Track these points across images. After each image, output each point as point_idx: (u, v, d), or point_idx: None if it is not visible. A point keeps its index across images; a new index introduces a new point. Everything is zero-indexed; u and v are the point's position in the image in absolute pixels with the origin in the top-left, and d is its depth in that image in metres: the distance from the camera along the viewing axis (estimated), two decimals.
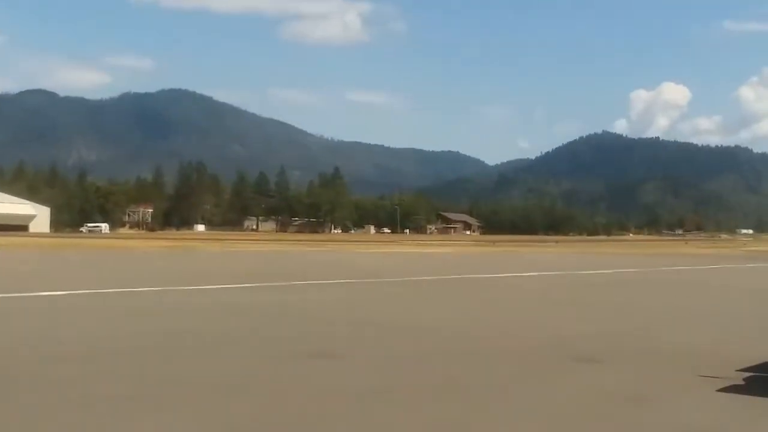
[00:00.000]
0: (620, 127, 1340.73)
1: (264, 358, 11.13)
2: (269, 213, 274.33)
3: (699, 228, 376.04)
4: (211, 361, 10.83)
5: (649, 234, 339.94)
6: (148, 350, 11.64)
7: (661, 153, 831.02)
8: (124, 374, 9.59)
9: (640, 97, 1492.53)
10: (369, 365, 10.75)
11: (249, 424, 7.37)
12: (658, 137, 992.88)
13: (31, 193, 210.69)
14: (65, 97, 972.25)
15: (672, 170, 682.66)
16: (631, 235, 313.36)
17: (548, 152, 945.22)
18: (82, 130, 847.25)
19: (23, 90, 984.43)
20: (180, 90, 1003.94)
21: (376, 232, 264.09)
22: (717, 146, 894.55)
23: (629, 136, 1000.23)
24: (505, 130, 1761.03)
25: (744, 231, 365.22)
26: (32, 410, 7.66)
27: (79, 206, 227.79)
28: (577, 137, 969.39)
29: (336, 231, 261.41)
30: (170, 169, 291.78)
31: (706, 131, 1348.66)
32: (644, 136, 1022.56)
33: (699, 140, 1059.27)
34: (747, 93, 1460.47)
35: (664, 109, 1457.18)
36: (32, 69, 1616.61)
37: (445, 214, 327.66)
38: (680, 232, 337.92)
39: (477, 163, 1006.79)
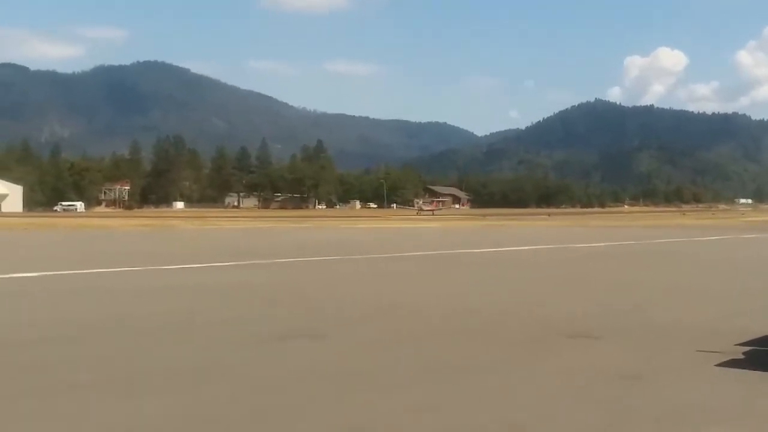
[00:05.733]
0: (614, 95, 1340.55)
1: (242, 340, 10.68)
2: (251, 189, 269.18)
3: (696, 199, 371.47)
4: (184, 345, 10.39)
5: (645, 205, 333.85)
6: (116, 334, 11.19)
7: (657, 121, 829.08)
8: (91, 359, 9.27)
9: (634, 63, 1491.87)
10: (352, 346, 10.44)
11: (223, 408, 7.20)
12: (653, 105, 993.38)
13: (2, 171, 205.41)
14: (36, 71, 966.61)
15: (668, 139, 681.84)
16: (626, 206, 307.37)
17: (539, 122, 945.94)
18: (54, 105, 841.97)
19: None
20: (155, 62, 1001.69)
21: (362, 207, 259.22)
22: (714, 113, 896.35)
23: (623, 104, 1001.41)
24: (494, 99, 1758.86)
25: (743, 201, 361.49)
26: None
27: (52, 184, 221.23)
28: (569, 106, 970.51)
29: (320, 206, 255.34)
30: (147, 145, 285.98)
31: (703, 98, 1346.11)
32: (639, 104, 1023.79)
33: (696, 107, 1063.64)
34: (745, 58, 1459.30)
35: (659, 75, 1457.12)
36: (1, 42, 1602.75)
37: (433, 187, 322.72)
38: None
39: (465, 134, 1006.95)
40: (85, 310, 13.80)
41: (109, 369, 8.72)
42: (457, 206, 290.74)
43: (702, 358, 9.51)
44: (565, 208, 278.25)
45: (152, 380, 8.15)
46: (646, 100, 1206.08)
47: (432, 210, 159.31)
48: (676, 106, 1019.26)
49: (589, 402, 7.45)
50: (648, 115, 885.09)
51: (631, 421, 6.83)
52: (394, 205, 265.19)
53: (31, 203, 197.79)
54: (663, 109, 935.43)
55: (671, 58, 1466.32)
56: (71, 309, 14.09)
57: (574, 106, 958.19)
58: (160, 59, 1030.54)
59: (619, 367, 8.99)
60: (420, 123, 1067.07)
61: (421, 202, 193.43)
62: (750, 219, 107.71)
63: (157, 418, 6.78)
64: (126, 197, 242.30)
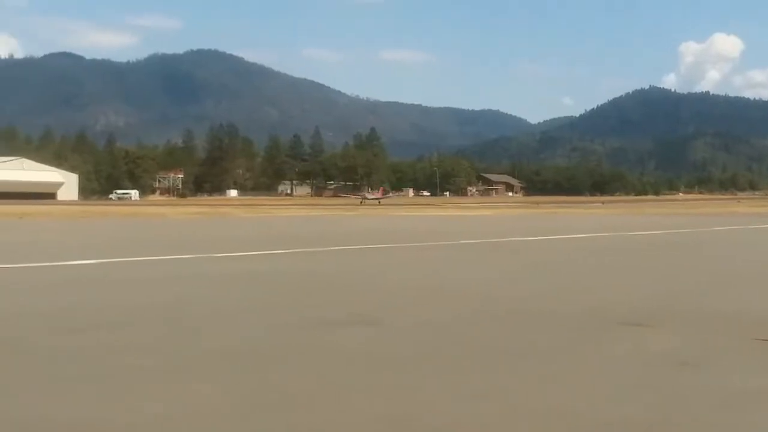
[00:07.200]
0: (669, 81, 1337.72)
1: (294, 326, 10.45)
2: (303, 177, 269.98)
3: (752, 186, 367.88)
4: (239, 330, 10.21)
5: (700, 192, 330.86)
6: (174, 320, 10.95)
7: (712, 108, 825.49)
8: (149, 344, 9.12)
9: (689, 49, 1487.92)
10: (408, 331, 10.16)
11: (277, 393, 7.09)
12: (709, 91, 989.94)
13: (58, 159, 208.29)
14: (91, 60, 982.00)
15: (723, 126, 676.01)
16: (681, 194, 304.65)
17: (593, 109, 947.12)
18: (109, 94, 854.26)
19: (48, 53, 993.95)
20: (209, 50, 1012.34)
21: (415, 195, 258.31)
22: None
23: (678, 90, 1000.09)
24: (548, 87, 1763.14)
25: None
26: (56, 381, 7.33)
27: (107, 173, 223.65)
28: (624, 93, 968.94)
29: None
30: (200, 133, 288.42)
31: (760, 84, 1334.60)
32: (694, 90, 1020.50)
33: (752, 94, 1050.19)
34: None
35: (715, 61, 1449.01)
36: (57, 32, 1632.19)
37: (486, 175, 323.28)
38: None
39: (518, 121, 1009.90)
40: (147, 296, 13.52)
41: (167, 354, 8.60)
42: (510, 194, 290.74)
43: (759, 346, 9.16)
44: (619, 195, 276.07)
45: (208, 365, 8.09)
46: (702, 87, 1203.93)
47: (378, 198, 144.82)
48: (732, 93, 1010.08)
49: (644, 388, 7.19)
50: (703, 101, 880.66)
51: (689, 407, 6.57)
52: (447, 193, 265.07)
53: (86, 191, 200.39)
54: (719, 95, 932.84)
55: (727, 44, 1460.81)
56: (137, 295, 13.83)
57: (629, 93, 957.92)
58: (213, 47, 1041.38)
59: (674, 354, 8.70)
60: (473, 110, 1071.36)
61: (366, 191, 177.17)
62: None
63: (212, 402, 6.53)
64: (180, 185, 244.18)
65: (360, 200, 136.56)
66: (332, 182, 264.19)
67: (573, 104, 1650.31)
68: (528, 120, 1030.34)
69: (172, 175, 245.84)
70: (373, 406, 6.47)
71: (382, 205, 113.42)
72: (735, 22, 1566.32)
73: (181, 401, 6.59)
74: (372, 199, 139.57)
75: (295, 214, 65.88)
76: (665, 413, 6.42)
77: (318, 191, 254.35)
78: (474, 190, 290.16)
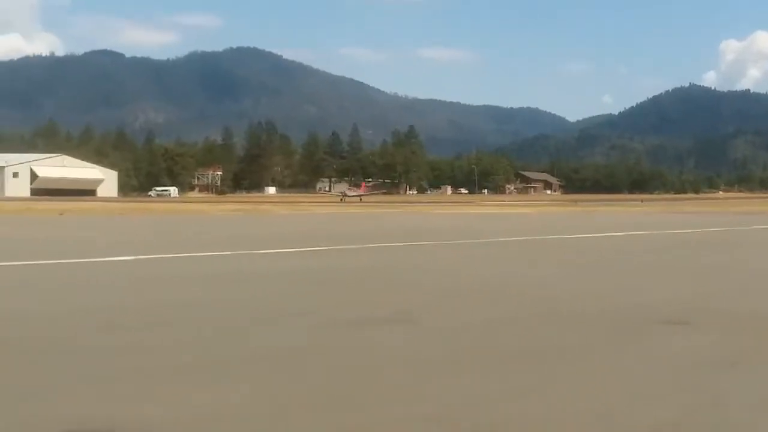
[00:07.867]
0: (709, 79, 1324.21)
1: (333, 325, 10.40)
2: (342, 174, 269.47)
3: None
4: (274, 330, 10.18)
5: (740, 191, 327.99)
6: (209, 318, 10.92)
7: (753, 106, 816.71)
8: (181, 344, 9.11)
9: (730, 47, 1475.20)
10: (448, 331, 10.09)
11: (310, 393, 7.08)
12: (749, 90, 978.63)
13: (98, 156, 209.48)
14: (131, 57, 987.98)
15: (764, 124, 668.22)
16: (721, 193, 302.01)
17: (632, 107, 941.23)
18: (148, 91, 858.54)
19: (88, 51, 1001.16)
20: (248, 48, 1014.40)
21: (453, 192, 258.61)
22: None
23: (718, 89, 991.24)
24: (587, 84, 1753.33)
25: None
26: (91, 379, 7.40)
27: (146, 170, 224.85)
28: (663, 91, 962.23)
29: (411, 192, 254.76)
30: (239, 131, 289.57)
31: None
32: (734, 88, 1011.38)
33: None
34: None
35: (756, 59, 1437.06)
36: (98, 30, 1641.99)
37: (525, 173, 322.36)
38: None
39: (557, 119, 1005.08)
40: (183, 294, 13.55)
41: (203, 354, 8.60)
42: (548, 192, 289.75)
43: None
44: (658, 194, 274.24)
45: (238, 365, 8.07)
46: (742, 85, 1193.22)
47: (359, 195, 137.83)
48: None
49: (682, 388, 7.22)
50: (744, 100, 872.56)
51: (726, 407, 6.63)
52: (485, 190, 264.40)
53: (126, 188, 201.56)
54: (759, 93, 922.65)
55: None
56: (179, 292, 13.86)
57: (668, 91, 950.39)
58: (252, 45, 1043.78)
59: (712, 354, 8.78)
60: (512, 108, 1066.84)
61: (346, 188, 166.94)
62: None
63: (247, 402, 6.67)
64: (218, 183, 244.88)
65: (340, 197, 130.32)
66: (370, 179, 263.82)
67: (612, 102, 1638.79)
68: (567, 118, 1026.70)
69: (210, 172, 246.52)
70: (411, 406, 6.53)
71: (364, 202, 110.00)
72: None
73: (218, 401, 6.69)
74: (353, 196, 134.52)
75: (336, 211, 66.11)
76: (704, 413, 6.42)
77: (356, 189, 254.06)
78: (512, 188, 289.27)
